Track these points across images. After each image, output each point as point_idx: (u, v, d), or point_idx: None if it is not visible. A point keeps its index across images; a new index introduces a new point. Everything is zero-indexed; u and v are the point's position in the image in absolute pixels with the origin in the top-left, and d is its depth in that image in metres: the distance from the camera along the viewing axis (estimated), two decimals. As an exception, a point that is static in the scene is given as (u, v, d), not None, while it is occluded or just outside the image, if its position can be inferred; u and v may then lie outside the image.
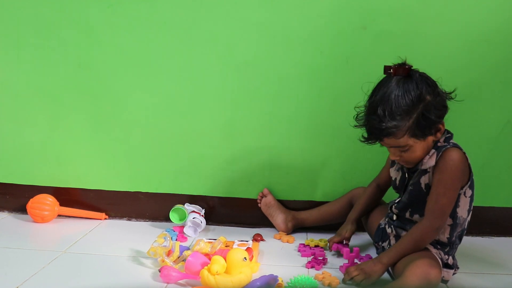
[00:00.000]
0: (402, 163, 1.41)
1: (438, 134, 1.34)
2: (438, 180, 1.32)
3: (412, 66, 1.34)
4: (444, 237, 1.37)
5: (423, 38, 1.67)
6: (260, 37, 1.71)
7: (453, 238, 1.38)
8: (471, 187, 1.36)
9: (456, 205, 1.35)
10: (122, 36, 1.76)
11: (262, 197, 1.78)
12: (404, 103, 1.27)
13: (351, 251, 1.52)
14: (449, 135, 1.38)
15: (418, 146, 1.33)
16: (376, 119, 1.29)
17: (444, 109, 1.32)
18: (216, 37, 1.73)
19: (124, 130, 1.82)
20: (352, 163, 1.76)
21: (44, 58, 1.79)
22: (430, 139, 1.33)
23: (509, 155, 1.73)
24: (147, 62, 1.76)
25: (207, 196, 1.83)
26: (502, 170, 1.74)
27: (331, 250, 1.57)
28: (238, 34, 1.72)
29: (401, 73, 1.31)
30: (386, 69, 1.34)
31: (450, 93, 1.36)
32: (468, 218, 1.39)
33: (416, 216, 1.39)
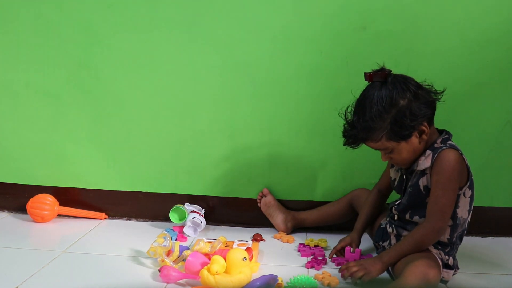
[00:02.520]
0: (395, 164, 1.42)
1: (424, 136, 1.33)
2: (436, 181, 1.33)
3: (390, 71, 1.35)
4: (444, 237, 1.37)
5: (423, 38, 1.67)
6: (260, 37, 1.71)
7: (454, 239, 1.38)
8: (471, 188, 1.36)
9: (456, 205, 1.35)
10: (122, 36, 1.76)
11: (261, 197, 1.78)
12: (376, 109, 1.30)
13: (353, 251, 1.52)
14: (447, 136, 1.38)
15: (401, 148, 1.34)
16: (349, 125, 1.35)
17: (424, 111, 1.31)
18: (216, 36, 1.73)
19: (124, 129, 1.82)
20: (352, 164, 1.76)
21: (44, 57, 1.79)
22: (415, 140, 1.33)
23: (509, 156, 1.73)
24: (147, 61, 1.76)
25: (207, 196, 1.83)
26: (502, 170, 1.74)
27: (330, 258, 1.55)
28: (238, 34, 1.72)
29: (377, 78, 1.33)
30: (365, 75, 1.36)
31: (439, 93, 1.35)
32: (468, 219, 1.39)
33: (416, 218, 1.39)
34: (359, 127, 1.32)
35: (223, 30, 1.72)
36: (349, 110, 1.37)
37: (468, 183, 1.35)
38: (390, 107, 1.30)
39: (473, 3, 1.64)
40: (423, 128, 1.33)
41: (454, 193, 1.32)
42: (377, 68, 1.36)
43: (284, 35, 1.71)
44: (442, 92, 1.36)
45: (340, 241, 1.56)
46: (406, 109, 1.30)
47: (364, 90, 1.36)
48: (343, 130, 1.38)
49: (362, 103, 1.33)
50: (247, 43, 1.72)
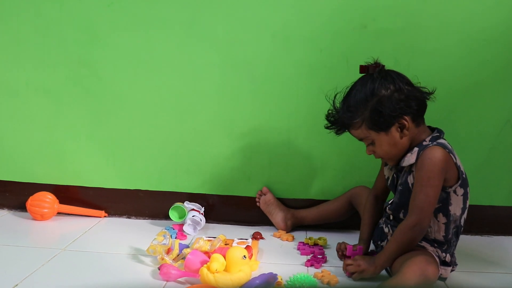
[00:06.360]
0: (379, 157, 1.42)
1: (405, 131, 1.34)
2: (416, 178, 1.33)
3: (383, 66, 1.37)
4: (440, 235, 1.37)
5: (423, 36, 1.67)
6: (260, 36, 1.71)
7: (450, 236, 1.38)
8: (463, 186, 1.35)
9: (448, 203, 1.35)
10: (122, 34, 1.76)
11: (261, 195, 1.78)
12: (358, 97, 1.35)
13: (355, 249, 1.51)
14: (438, 134, 1.38)
15: (382, 140, 1.35)
16: (334, 111, 1.40)
17: (407, 104, 1.32)
18: (216, 35, 1.73)
19: (124, 128, 1.82)
20: (352, 162, 1.76)
21: (44, 55, 1.79)
22: (396, 134, 1.34)
23: (508, 154, 1.73)
24: (147, 60, 1.76)
25: (206, 194, 1.83)
26: (501, 169, 1.74)
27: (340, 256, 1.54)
28: (237, 33, 1.72)
29: (367, 71, 1.37)
30: (360, 68, 1.40)
31: (429, 93, 1.36)
32: (464, 216, 1.39)
33: None
34: (341, 112, 1.37)
35: (223, 29, 1.72)
36: (337, 96, 1.41)
37: (459, 182, 1.34)
38: (371, 96, 1.33)
39: (473, 2, 1.64)
40: (404, 122, 1.33)
41: (433, 190, 1.31)
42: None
43: (284, 33, 1.70)
44: (432, 92, 1.36)
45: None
46: (387, 100, 1.32)
47: (355, 82, 1.39)
48: (326, 114, 1.42)
49: (349, 92, 1.38)
50: (246, 42, 1.72)
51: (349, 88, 1.39)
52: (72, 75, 1.80)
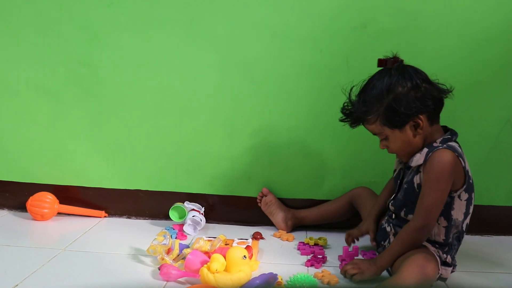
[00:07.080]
0: (392, 153, 1.42)
1: (419, 130, 1.33)
2: (424, 180, 1.33)
3: (402, 61, 1.37)
4: (440, 238, 1.37)
5: (422, 36, 1.66)
6: (260, 35, 1.71)
7: (450, 240, 1.38)
8: (468, 191, 1.35)
9: (451, 207, 1.35)
10: (122, 34, 1.75)
11: (262, 196, 1.78)
12: (374, 92, 1.33)
13: (350, 249, 1.52)
14: (449, 136, 1.37)
15: (395, 137, 1.35)
16: (350, 104, 1.39)
17: (423, 103, 1.31)
18: (216, 35, 1.73)
19: (124, 128, 1.82)
20: (352, 162, 1.76)
21: (44, 55, 1.79)
22: (410, 132, 1.34)
23: (509, 154, 1.73)
24: (147, 60, 1.76)
25: (206, 194, 1.83)
26: (501, 169, 1.74)
27: (349, 245, 1.54)
28: (237, 33, 1.72)
29: (387, 65, 1.36)
30: (378, 61, 1.39)
31: (447, 91, 1.35)
32: (467, 221, 1.38)
33: (410, 216, 1.38)
34: (356, 106, 1.36)
35: (223, 28, 1.72)
36: (354, 89, 1.40)
37: (465, 186, 1.34)
38: (387, 92, 1.32)
39: (473, 2, 1.64)
40: (418, 121, 1.32)
41: (442, 194, 1.31)
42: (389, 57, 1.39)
43: (284, 33, 1.70)
44: (450, 90, 1.35)
45: (356, 229, 1.55)
46: (403, 97, 1.31)
47: (373, 75, 1.38)
48: (342, 107, 1.40)
49: (365, 86, 1.37)
50: (246, 41, 1.72)
51: (366, 81, 1.38)
52: (72, 75, 1.80)
